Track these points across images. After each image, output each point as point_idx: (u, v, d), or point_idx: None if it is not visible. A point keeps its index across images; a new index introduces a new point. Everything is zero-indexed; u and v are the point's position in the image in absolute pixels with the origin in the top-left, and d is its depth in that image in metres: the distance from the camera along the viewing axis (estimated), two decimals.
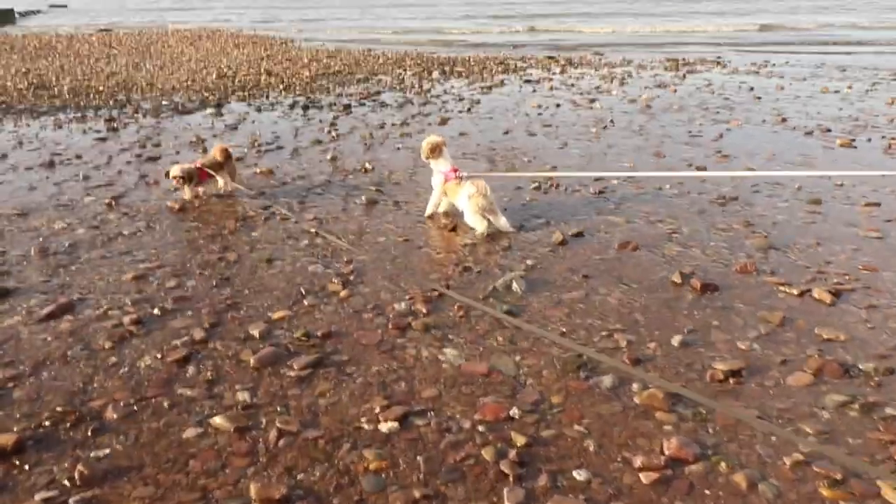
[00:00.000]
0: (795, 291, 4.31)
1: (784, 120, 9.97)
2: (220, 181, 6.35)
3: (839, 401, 3.19)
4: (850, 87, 12.97)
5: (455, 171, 5.67)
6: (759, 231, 5.43)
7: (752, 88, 13.01)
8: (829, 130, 9.18)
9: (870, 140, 8.57)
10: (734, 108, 11.07)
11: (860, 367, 3.46)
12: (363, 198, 6.36)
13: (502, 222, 5.47)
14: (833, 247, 5.06)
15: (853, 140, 8.52)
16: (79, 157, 8.03)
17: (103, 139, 9.04)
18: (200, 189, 6.35)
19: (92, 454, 2.88)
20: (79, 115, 10.74)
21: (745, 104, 11.41)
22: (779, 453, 2.84)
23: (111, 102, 11.91)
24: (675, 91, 12.79)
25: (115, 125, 9.90)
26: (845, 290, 4.34)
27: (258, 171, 7.38)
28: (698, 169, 7.29)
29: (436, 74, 15.60)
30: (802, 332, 3.85)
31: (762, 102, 11.57)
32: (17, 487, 2.70)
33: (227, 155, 6.51)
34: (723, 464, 2.78)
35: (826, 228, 5.48)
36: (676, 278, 4.51)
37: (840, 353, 3.62)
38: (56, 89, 13.24)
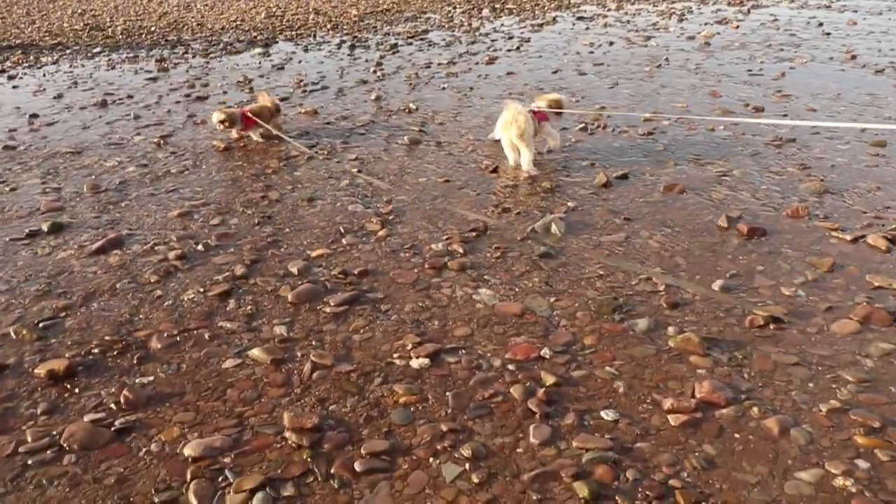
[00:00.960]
0: (849, 237, 4.13)
1: (854, 57, 9.37)
2: (257, 134, 6.36)
3: (885, 349, 3.07)
4: None
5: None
6: (815, 174, 5.18)
7: (821, 24, 12.23)
8: None
9: None
10: (800, 44, 10.45)
11: None
12: (406, 138, 6.31)
13: (525, 159, 5.35)
14: (895, 191, 4.80)
15: None
16: (130, 96, 8.19)
17: (154, 79, 9.18)
18: (255, 134, 6.38)
19: (137, 380, 3.02)
20: (131, 55, 10.91)
21: (813, 41, 10.75)
22: (815, 400, 2.78)
23: (162, 42, 12.04)
24: (738, 27, 12.13)
25: (166, 65, 10.02)
26: None
27: (302, 110, 7.39)
28: (756, 109, 6.96)
29: (486, 12, 15.18)
30: (852, 278, 3.70)
31: (831, 39, 10.88)
32: (69, 409, 2.86)
33: (277, 108, 6.55)
34: (755, 408, 2.73)
35: (889, 172, 5.19)
36: (722, 222, 4.37)
37: (891, 300, 3.47)
38: (110, 30, 13.43)
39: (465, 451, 2.57)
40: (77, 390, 2.97)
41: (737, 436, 2.62)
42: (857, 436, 2.58)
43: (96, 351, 3.23)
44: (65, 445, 2.65)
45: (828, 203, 4.66)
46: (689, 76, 8.62)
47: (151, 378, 3.04)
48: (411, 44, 11.48)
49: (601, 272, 3.85)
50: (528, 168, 5.33)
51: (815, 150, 5.71)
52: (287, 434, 2.68)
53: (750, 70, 8.83)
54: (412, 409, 2.82)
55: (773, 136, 6.07)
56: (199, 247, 4.25)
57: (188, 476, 2.50)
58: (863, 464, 2.45)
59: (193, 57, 10.69)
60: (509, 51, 10.65)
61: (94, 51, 11.29)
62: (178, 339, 3.33)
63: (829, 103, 7.16)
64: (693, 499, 2.33)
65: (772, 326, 3.28)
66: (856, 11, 13.79)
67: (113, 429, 2.73)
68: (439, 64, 9.76)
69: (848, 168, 5.30)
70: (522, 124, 5.15)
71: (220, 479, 2.48)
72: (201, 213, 4.79)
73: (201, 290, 3.76)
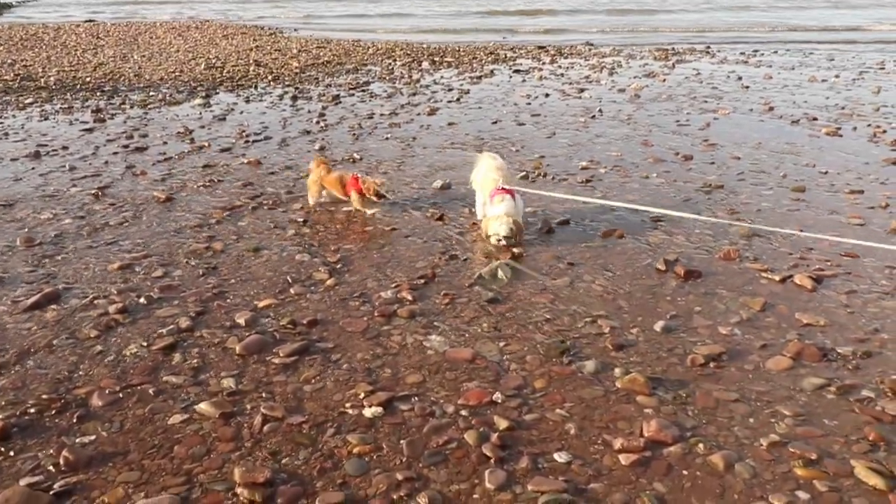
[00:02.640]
0: (777, 277, 4.36)
1: (771, 109, 10.01)
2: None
3: (817, 383, 3.24)
4: (837, 77, 13.02)
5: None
6: (743, 218, 5.47)
7: (740, 78, 13.04)
8: (815, 119, 9.23)
9: (855, 128, 8.63)
10: (722, 97, 11.10)
11: (839, 350, 3.52)
12: None
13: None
14: (816, 234, 5.10)
15: (839, 128, 8.57)
16: (65, 147, 7.99)
17: (90, 130, 8.99)
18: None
19: (77, 440, 2.90)
20: (65, 106, 10.67)
21: (734, 93, 11.44)
22: (756, 435, 2.89)
23: (98, 93, 11.84)
24: (664, 81, 12.80)
25: (103, 116, 9.84)
26: (826, 276, 4.39)
27: (246, 160, 7.37)
28: (685, 157, 7.33)
29: (425, 65, 15.56)
30: (783, 317, 3.90)
31: (750, 91, 11.60)
32: (3, 473, 2.72)
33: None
34: (700, 445, 2.83)
35: (810, 215, 5.54)
36: (660, 265, 4.55)
37: (819, 337, 3.67)
38: (43, 80, 13.13)
39: (422, 500, 2.56)
40: (12, 453, 2.83)
41: (685, 472, 2.69)
42: (796, 468, 2.69)
43: (32, 411, 3.09)
44: None
45: (756, 245, 4.92)
46: (622, 126, 9.02)
47: (93, 437, 2.93)
48: (353, 95, 11.65)
49: (548, 316, 3.94)
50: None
51: (742, 196, 6.04)
52: (238, 490, 2.61)
53: (678, 121, 9.31)
54: (367, 459, 2.80)
55: (702, 183, 6.40)
56: (142, 300, 4.15)
57: None
58: (803, 495, 2.56)
59: (131, 108, 10.54)
60: (450, 102, 10.92)
61: (27, 101, 11.00)
62: (120, 395, 3.22)
63: (752, 151, 7.60)
64: None
65: (712, 364, 3.42)
66: (770, 66, 14.76)
67: (52, 492, 2.60)
68: (382, 114, 9.92)
69: (772, 212, 5.63)
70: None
71: None
72: (143, 265, 4.68)
73: (144, 344, 3.66)
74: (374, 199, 5.47)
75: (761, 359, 3.47)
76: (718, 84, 12.37)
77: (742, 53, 17.29)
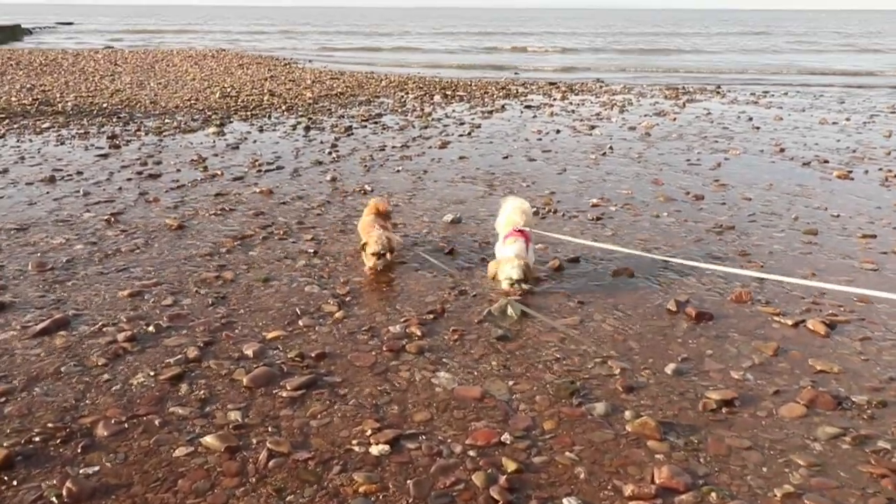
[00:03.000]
0: (790, 322, 4.32)
1: (782, 150, 10.04)
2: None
3: (832, 433, 3.18)
4: (848, 120, 13.08)
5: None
6: (755, 260, 5.45)
7: (750, 118, 13.12)
8: (826, 161, 9.25)
9: (867, 172, 8.64)
10: (733, 137, 11.16)
11: (853, 399, 3.46)
12: None
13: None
14: (828, 278, 5.07)
15: (850, 172, 8.58)
16: (80, 173, 8.07)
17: (105, 156, 9.09)
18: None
19: (81, 471, 2.87)
20: (82, 131, 10.82)
21: (744, 134, 11.50)
22: (770, 485, 2.83)
23: (114, 120, 12.00)
24: (675, 119, 12.89)
25: (118, 142, 9.96)
26: (840, 321, 4.35)
27: (258, 190, 7.42)
28: (696, 197, 7.34)
29: (437, 98, 15.74)
30: (796, 362, 3.86)
31: (761, 132, 11.67)
32: (5, 503, 2.68)
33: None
34: (713, 494, 2.77)
35: (822, 259, 5.51)
36: (671, 306, 4.52)
37: (833, 384, 3.62)
38: (60, 105, 13.34)
39: None
40: (15, 483, 2.79)
41: None
42: None
43: (37, 439, 3.06)
44: None
45: (768, 288, 4.89)
46: (633, 164, 9.06)
47: (97, 468, 2.89)
48: (365, 127, 11.77)
49: (558, 355, 3.91)
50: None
51: (754, 238, 6.02)
52: None
53: (688, 160, 9.35)
54: (372, 498, 2.75)
55: (713, 223, 6.39)
56: (150, 328, 4.14)
57: None
58: None
59: (146, 134, 10.68)
60: (461, 136, 11.02)
61: (44, 125, 11.16)
62: (126, 425, 3.20)
63: (763, 193, 7.61)
64: None
65: (724, 410, 3.37)
66: (781, 108, 14.86)
67: None
68: (393, 147, 10.00)
69: (784, 255, 5.60)
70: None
71: None
72: (153, 292, 4.68)
73: (152, 373, 3.64)
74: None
75: (774, 405, 3.42)
76: (729, 124, 12.44)
77: (752, 94, 17.44)
